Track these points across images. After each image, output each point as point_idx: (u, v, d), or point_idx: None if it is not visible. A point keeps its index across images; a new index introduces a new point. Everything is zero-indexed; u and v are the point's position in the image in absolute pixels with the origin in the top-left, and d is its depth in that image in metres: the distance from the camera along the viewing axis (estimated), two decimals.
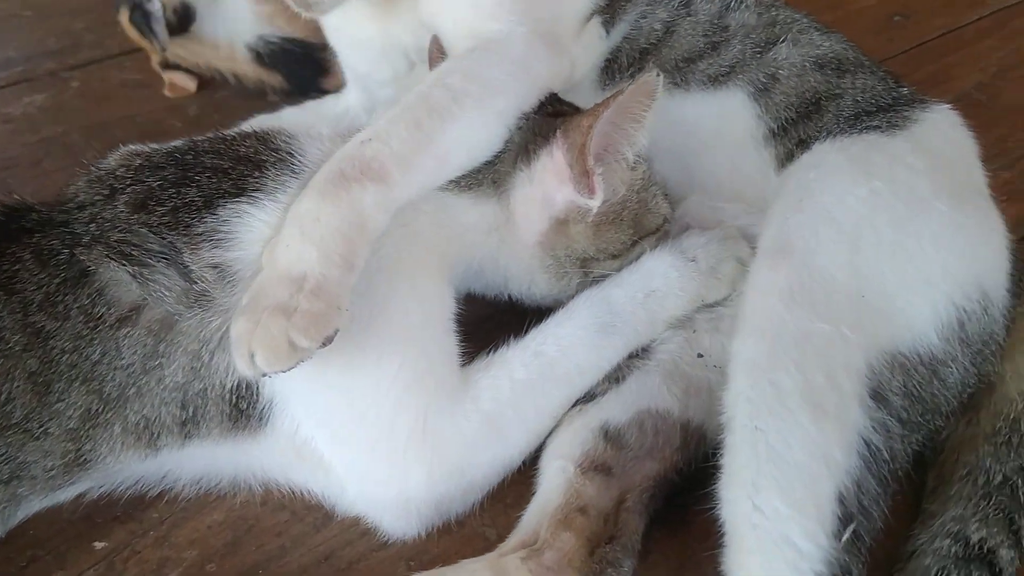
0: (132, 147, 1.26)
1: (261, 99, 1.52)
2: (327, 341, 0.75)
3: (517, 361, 0.87)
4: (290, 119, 1.35)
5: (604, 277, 0.96)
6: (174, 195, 0.83)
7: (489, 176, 0.93)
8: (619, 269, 0.96)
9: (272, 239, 0.81)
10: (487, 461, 0.87)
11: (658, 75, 0.88)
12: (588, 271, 0.95)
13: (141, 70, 1.59)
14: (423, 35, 1.08)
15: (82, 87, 1.56)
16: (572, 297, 0.95)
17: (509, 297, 0.99)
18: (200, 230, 0.81)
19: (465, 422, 0.84)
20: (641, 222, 0.96)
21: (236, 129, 0.93)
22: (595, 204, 0.90)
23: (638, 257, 0.97)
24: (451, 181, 0.91)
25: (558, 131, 0.90)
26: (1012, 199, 1.31)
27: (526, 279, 0.96)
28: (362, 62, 1.25)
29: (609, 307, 0.90)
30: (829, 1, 1.87)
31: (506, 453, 0.87)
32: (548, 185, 0.91)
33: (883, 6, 1.86)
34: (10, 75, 1.58)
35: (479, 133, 0.92)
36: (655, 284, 0.92)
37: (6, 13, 1.79)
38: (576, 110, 0.97)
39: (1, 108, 1.50)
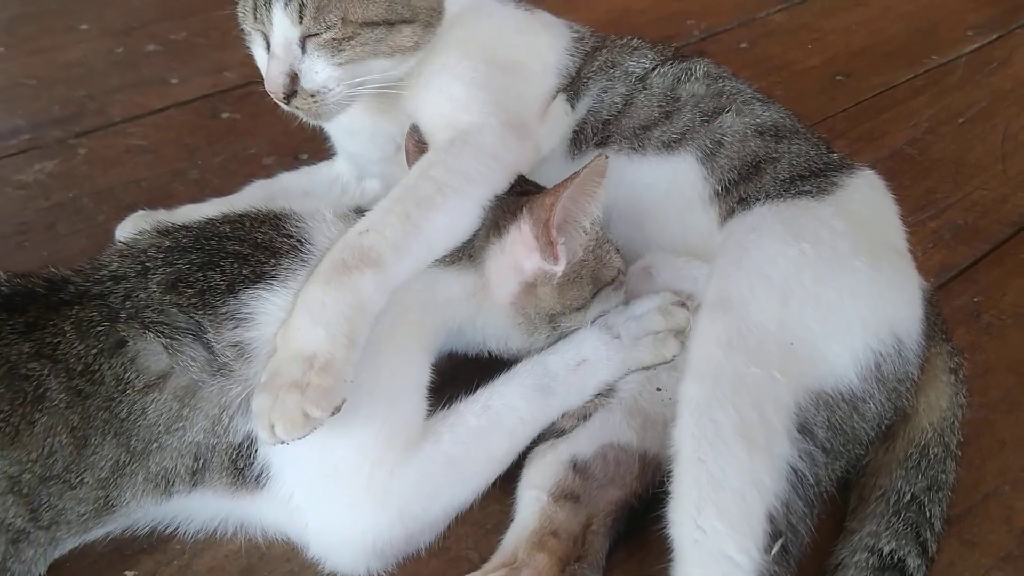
0: (141, 212, 1.40)
1: (256, 163, 1.65)
2: (336, 410, 0.87)
3: (470, 412, 1.00)
4: (287, 183, 1.47)
5: (573, 329, 1.09)
6: (201, 278, 0.94)
7: (467, 251, 1.05)
8: (584, 322, 1.09)
9: (285, 321, 0.93)
10: (445, 495, 0.98)
11: (606, 158, 1.02)
12: (556, 325, 1.08)
13: (144, 136, 1.72)
14: (407, 123, 1.20)
15: (89, 154, 1.66)
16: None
17: (488, 353, 1.12)
18: (224, 311, 0.93)
19: (427, 461, 0.96)
20: (598, 276, 1.09)
21: (252, 209, 1.04)
22: (559, 269, 1.04)
23: (601, 308, 1.10)
24: (439, 259, 1.04)
25: (524, 209, 1.03)
26: (938, 246, 1.47)
27: (502, 336, 1.09)
28: (353, 145, 1.38)
29: (546, 371, 1.04)
30: (777, 62, 2.03)
31: (462, 489, 0.99)
32: (518, 254, 1.04)
33: (826, 66, 2.02)
34: (19, 143, 1.69)
35: (460, 219, 1.05)
36: (585, 354, 1.06)
37: (10, 82, 1.89)
38: (539, 188, 1.10)
39: (13, 175, 1.60)
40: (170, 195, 1.54)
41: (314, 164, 1.53)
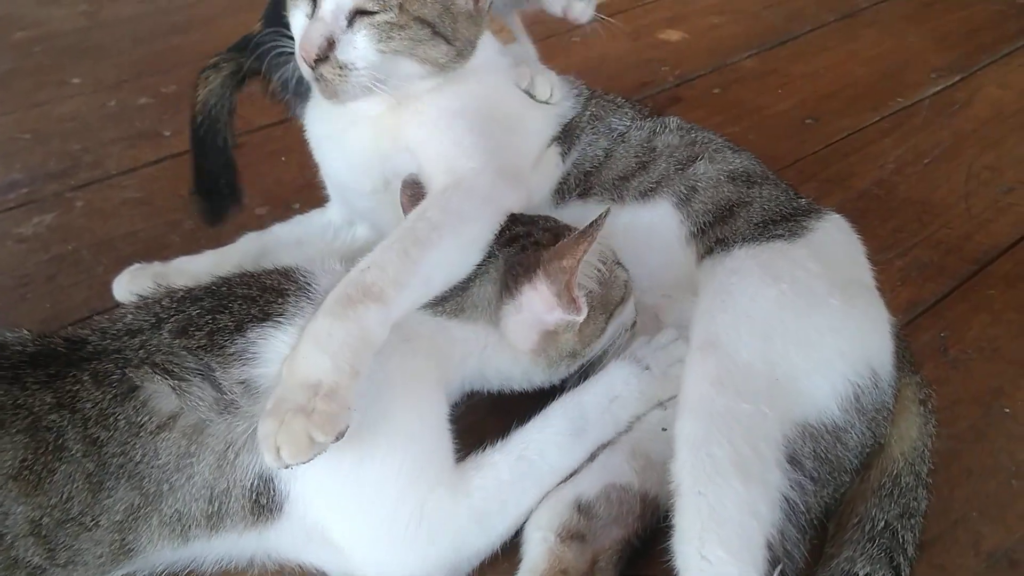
0: (137, 266, 1.45)
1: (249, 213, 1.70)
2: (340, 436, 0.91)
3: (503, 464, 1.04)
4: (280, 233, 1.52)
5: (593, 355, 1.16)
6: (210, 321, 0.99)
7: (469, 303, 1.10)
8: (603, 348, 1.16)
9: (291, 353, 0.97)
10: (474, 547, 1.02)
11: (608, 211, 1.08)
12: (577, 357, 1.14)
13: (139, 188, 1.76)
14: (401, 156, 1.25)
15: (86, 206, 1.71)
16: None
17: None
18: (232, 350, 0.97)
19: (458, 515, 1.00)
20: (608, 299, 1.14)
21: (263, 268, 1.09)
22: (582, 317, 1.09)
23: (617, 326, 1.16)
24: (442, 309, 1.09)
25: (540, 271, 1.07)
26: (906, 284, 1.54)
27: (524, 377, 1.14)
28: (344, 171, 1.39)
29: (581, 412, 1.08)
30: (749, 107, 2.11)
31: (489, 540, 1.03)
32: (537, 311, 1.09)
33: (796, 110, 2.10)
34: (18, 196, 1.73)
35: (455, 256, 1.10)
36: (618, 390, 1.10)
37: (6, 136, 1.94)
38: (533, 223, 1.15)
39: (13, 228, 1.64)
40: (166, 246, 1.59)
41: (306, 213, 1.58)
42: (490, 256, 1.13)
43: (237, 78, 1.47)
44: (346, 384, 0.94)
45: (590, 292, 1.11)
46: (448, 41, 1.21)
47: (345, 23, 1.15)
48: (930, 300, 1.50)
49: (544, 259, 1.08)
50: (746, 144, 1.88)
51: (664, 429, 1.08)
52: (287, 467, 0.91)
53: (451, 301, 1.10)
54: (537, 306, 1.09)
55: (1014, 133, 2.01)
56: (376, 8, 1.14)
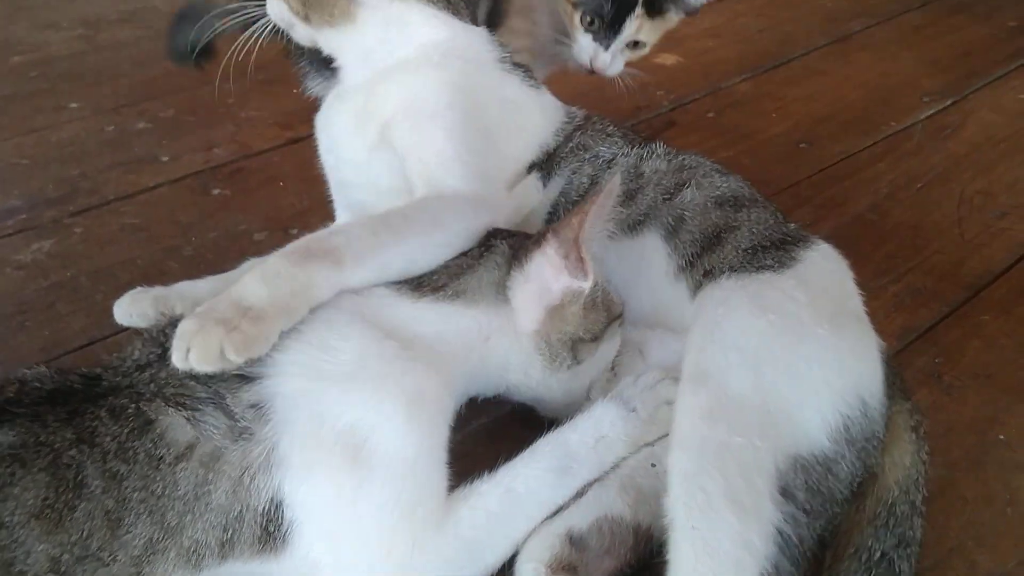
0: (138, 289, 1.46)
1: (247, 238, 1.71)
2: (249, 363, 0.96)
3: (492, 496, 1.04)
4: None
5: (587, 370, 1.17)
6: None
7: (472, 285, 1.12)
8: (597, 360, 1.17)
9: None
10: None
11: (617, 175, 1.12)
12: (576, 354, 1.14)
13: (138, 214, 1.77)
14: (385, 152, 1.30)
15: (85, 232, 1.71)
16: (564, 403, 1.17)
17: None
18: (238, 372, 0.98)
19: (448, 546, 1.00)
20: (608, 307, 1.16)
21: None
22: (588, 284, 1.10)
23: (610, 345, 1.18)
24: (443, 294, 1.11)
25: (548, 234, 1.11)
26: (900, 310, 1.55)
27: (524, 367, 1.14)
28: (339, 165, 1.43)
29: (567, 451, 1.08)
30: (743, 131, 2.12)
31: (478, 572, 1.02)
32: (545, 278, 1.11)
33: (790, 134, 2.11)
34: (16, 223, 1.73)
35: (418, 254, 1.13)
36: (604, 431, 1.10)
37: (4, 162, 1.94)
38: (525, 235, 1.18)
39: (12, 255, 1.64)
40: (165, 272, 1.59)
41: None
42: (490, 246, 1.16)
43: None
44: (273, 316, 0.99)
45: (595, 283, 1.12)
46: None
47: None
48: (924, 326, 1.51)
49: (553, 226, 1.12)
50: (740, 169, 1.89)
51: (653, 465, 1.09)
52: (191, 369, 0.95)
53: (450, 286, 1.11)
54: (545, 272, 1.11)
55: (1006, 158, 2.03)
56: None
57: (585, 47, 1.69)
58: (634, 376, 1.15)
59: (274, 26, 1.41)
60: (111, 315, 1.43)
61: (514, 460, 1.08)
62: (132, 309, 1.42)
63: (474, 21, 1.42)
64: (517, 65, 1.43)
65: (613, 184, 1.11)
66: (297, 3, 1.33)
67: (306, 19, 1.34)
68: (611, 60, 1.68)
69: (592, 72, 1.73)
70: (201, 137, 2.03)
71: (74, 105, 2.18)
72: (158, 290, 1.45)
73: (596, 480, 1.08)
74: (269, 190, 1.85)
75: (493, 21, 1.79)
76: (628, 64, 1.77)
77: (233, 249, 1.65)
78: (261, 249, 1.55)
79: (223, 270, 1.51)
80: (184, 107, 2.15)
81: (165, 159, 1.97)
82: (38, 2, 2.78)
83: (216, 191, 1.86)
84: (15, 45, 2.49)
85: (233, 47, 1.42)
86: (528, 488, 1.05)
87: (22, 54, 2.45)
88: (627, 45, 1.68)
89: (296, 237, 1.60)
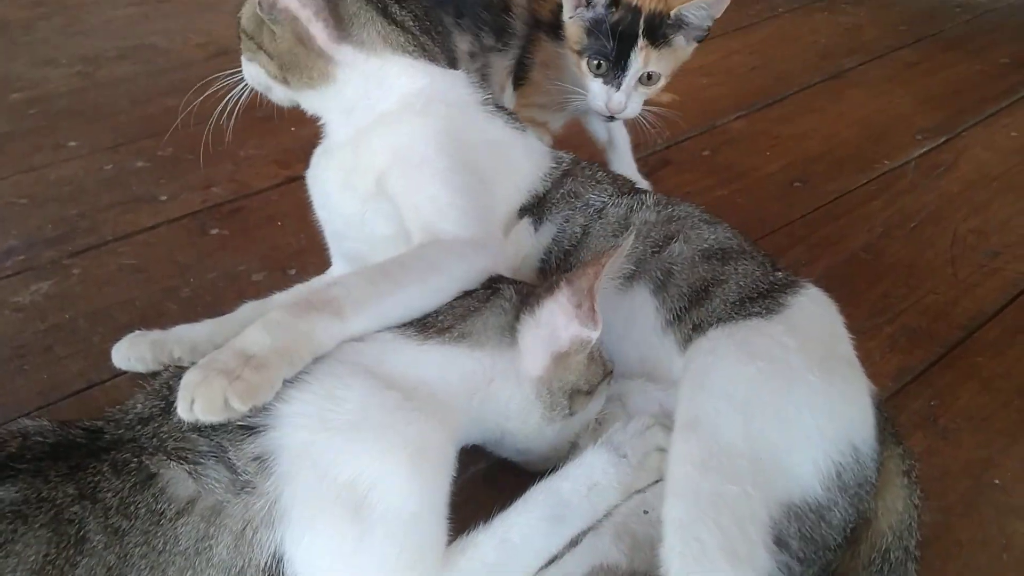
0: (136, 333, 1.46)
1: (245, 279, 1.72)
2: (253, 411, 0.97)
3: (487, 546, 1.04)
4: (279, 301, 1.51)
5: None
6: None
7: (478, 327, 1.13)
8: (590, 412, 1.18)
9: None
10: None
11: (632, 233, 1.16)
12: (572, 405, 1.15)
13: (136, 255, 1.77)
14: (379, 201, 1.32)
15: (83, 274, 1.71)
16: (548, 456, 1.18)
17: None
18: (241, 423, 0.98)
19: None
20: (603, 363, 1.18)
21: None
22: (596, 334, 1.13)
23: (598, 402, 1.19)
24: (449, 336, 1.12)
25: (563, 282, 1.13)
26: (895, 351, 1.55)
27: (523, 414, 1.15)
28: (324, 202, 1.45)
29: (560, 499, 1.08)
30: (738, 169, 2.14)
31: None
32: (555, 325, 1.13)
33: (784, 173, 2.12)
34: (14, 264, 1.74)
35: (416, 301, 1.15)
36: (596, 478, 1.10)
37: (2, 201, 1.95)
38: (528, 284, 1.21)
39: (10, 297, 1.64)
40: (163, 314, 1.60)
41: (303, 279, 1.59)
42: (496, 289, 1.17)
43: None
44: (276, 365, 1.00)
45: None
46: (269, 55, 1.34)
47: None
48: (919, 367, 1.52)
49: (567, 276, 1.14)
50: (735, 208, 1.93)
51: (646, 512, 1.09)
52: (195, 421, 0.96)
53: (456, 328, 1.12)
54: (557, 319, 1.13)
55: (999, 196, 2.04)
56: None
57: (597, 92, 1.69)
58: (623, 422, 1.16)
59: (252, 89, 1.44)
60: (109, 358, 1.44)
61: (508, 509, 1.08)
62: (130, 353, 1.43)
63: (452, 64, 1.43)
64: (500, 107, 1.45)
65: (628, 241, 1.14)
66: (275, 68, 1.35)
67: (285, 82, 1.36)
68: (626, 100, 1.68)
69: (612, 118, 1.74)
70: (199, 176, 2.04)
71: (73, 143, 2.20)
72: (156, 334, 1.46)
73: (590, 528, 1.08)
74: (267, 230, 1.86)
75: (519, 76, 1.84)
76: (650, 103, 1.77)
77: (231, 290, 1.66)
78: (259, 290, 1.58)
79: (221, 312, 1.52)
80: (182, 146, 2.16)
81: (163, 198, 1.98)
82: (37, 38, 2.81)
83: (214, 231, 1.87)
84: (14, 82, 2.52)
85: (217, 109, 1.43)
86: (523, 537, 1.05)
87: (21, 91, 2.47)
88: (640, 81, 1.68)
89: (294, 277, 1.65)
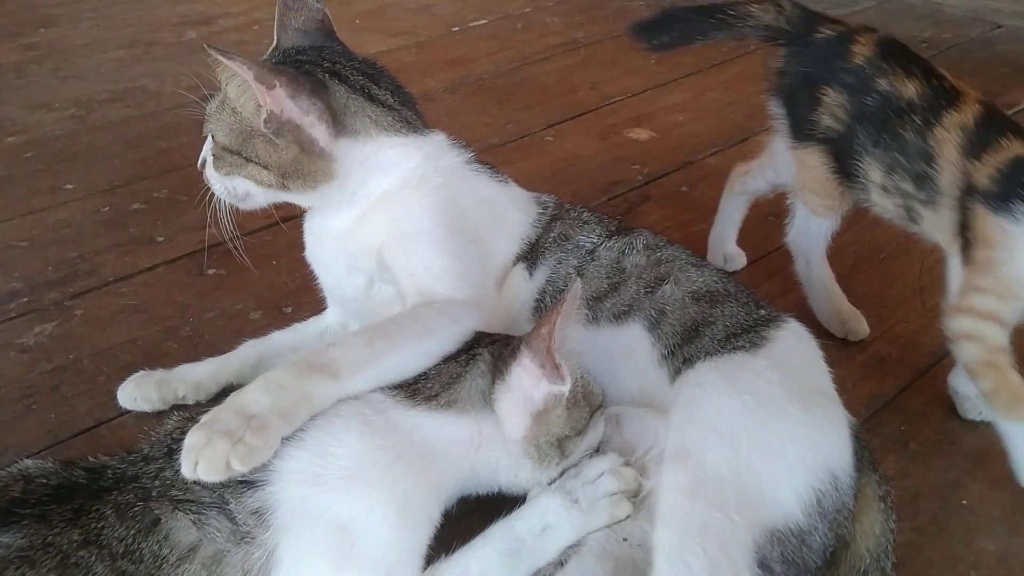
0: (141, 373, 1.52)
1: (243, 317, 1.78)
2: (255, 471, 1.04)
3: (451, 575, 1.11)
4: (278, 341, 1.59)
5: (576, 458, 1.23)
6: None
7: (463, 394, 1.19)
8: (584, 443, 1.23)
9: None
10: None
11: (578, 279, 1.21)
12: (564, 450, 1.21)
13: (136, 295, 1.83)
14: (377, 267, 1.39)
15: (85, 314, 1.76)
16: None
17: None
18: (240, 478, 1.05)
19: None
20: (589, 400, 1.23)
21: None
22: (567, 388, 1.17)
23: (594, 434, 1.24)
24: (436, 403, 1.18)
25: (522, 346, 1.17)
26: (867, 378, 1.63)
27: (513, 470, 1.21)
28: (330, 279, 1.53)
29: (514, 536, 1.14)
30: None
31: None
32: (526, 387, 1.17)
33: (759, 207, 2.15)
34: (18, 306, 1.79)
35: (410, 361, 1.22)
36: (549, 520, 1.16)
37: (3, 245, 2.00)
38: (506, 337, 1.25)
39: (15, 339, 1.69)
40: (165, 353, 1.66)
41: (298, 317, 1.66)
42: (475, 354, 1.22)
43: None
44: (276, 425, 1.07)
45: (574, 381, 1.19)
46: (264, 166, 1.34)
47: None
48: (890, 393, 1.60)
49: (525, 337, 1.19)
50: None
51: (625, 539, 1.15)
52: (197, 480, 1.02)
53: (443, 395, 1.18)
54: (525, 382, 1.17)
55: None
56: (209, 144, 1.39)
57: None
58: (578, 468, 1.22)
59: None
60: (115, 397, 1.50)
61: (470, 543, 1.15)
62: (136, 394, 1.49)
63: (424, 123, 1.48)
64: (482, 164, 1.52)
65: (575, 290, 1.18)
66: (273, 177, 1.34)
67: (284, 188, 1.35)
68: None
69: None
70: (194, 217, 2.07)
71: (69, 186, 2.25)
72: (160, 374, 1.52)
73: (573, 551, 1.15)
74: (263, 269, 1.92)
75: None
76: None
77: (230, 329, 1.72)
78: (257, 328, 1.65)
79: (221, 350, 1.58)
80: (177, 187, 2.22)
81: (160, 239, 2.04)
82: (29, 82, 2.86)
83: (211, 271, 1.92)
84: (8, 126, 2.56)
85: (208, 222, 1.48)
86: (481, 569, 1.12)
87: (16, 135, 2.52)
88: None
89: (290, 315, 1.72)
